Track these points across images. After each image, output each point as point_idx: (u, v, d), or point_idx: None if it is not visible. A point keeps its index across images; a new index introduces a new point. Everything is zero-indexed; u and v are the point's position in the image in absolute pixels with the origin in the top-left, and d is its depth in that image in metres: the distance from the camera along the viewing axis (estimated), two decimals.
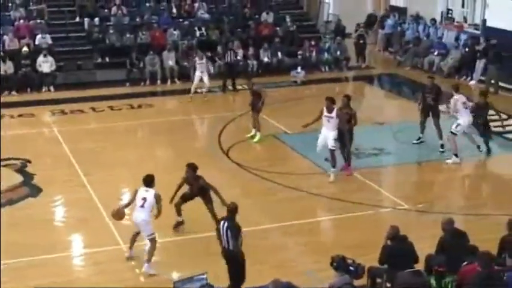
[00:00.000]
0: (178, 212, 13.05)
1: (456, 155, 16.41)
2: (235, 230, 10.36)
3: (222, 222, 10.52)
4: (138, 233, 11.90)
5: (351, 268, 9.44)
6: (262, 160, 16.57)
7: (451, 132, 16.44)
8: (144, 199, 11.64)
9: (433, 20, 27.07)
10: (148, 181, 11.85)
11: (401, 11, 29.19)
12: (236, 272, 10.38)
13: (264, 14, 27.71)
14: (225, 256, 10.52)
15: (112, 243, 12.47)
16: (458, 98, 16.56)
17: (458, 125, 16.38)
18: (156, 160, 16.99)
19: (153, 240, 11.68)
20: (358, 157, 16.96)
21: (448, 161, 16.48)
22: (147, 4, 27.61)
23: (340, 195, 14.52)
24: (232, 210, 10.61)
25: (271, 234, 12.92)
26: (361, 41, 27.41)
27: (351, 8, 29.94)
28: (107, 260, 11.93)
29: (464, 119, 16.40)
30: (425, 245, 10.64)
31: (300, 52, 26.45)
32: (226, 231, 10.38)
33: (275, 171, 15.73)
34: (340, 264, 9.39)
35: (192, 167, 12.95)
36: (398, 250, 10.08)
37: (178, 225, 13.06)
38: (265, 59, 25.89)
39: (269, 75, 25.06)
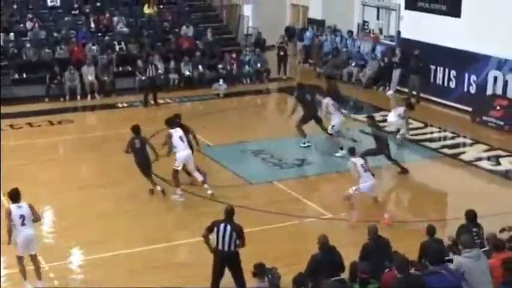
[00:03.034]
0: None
1: (342, 148, 17.62)
2: (240, 231, 10.65)
3: (222, 226, 10.62)
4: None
5: (269, 276, 9.59)
6: (185, 173, 16.52)
7: (329, 134, 18.05)
8: (22, 216, 11.19)
9: (350, 32, 27.65)
10: (15, 196, 11.38)
11: (319, 24, 29.70)
12: (241, 270, 10.64)
13: (184, 28, 27.69)
14: (225, 259, 10.64)
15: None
16: (327, 101, 18.08)
17: (333, 126, 17.95)
18: (77, 177, 16.73)
19: (35, 256, 11.38)
20: (281, 168, 17.17)
21: (337, 154, 17.65)
22: (66, 18, 27.21)
23: (264, 206, 14.62)
24: (230, 212, 10.82)
25: (195, 248, 12.87)
26: (282, 53, 27.74)
27: (270, 21, 30.31)
28: (28, 280, 11.62)
29: (337, 119, 17.95)
30: (348, 253, 10.82)
31: (220, 65, 26.56)
32: (231, 233, 10.55)
33: (198, 184, 15.69)
34: (258, 271, 9.55)
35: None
36: (326, 259, 10.25)
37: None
38: (187, 73, 25.86)
39: (191, 89, 25.10)
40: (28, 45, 25.07)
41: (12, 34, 25.58)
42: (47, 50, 25.19)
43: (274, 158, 17.77)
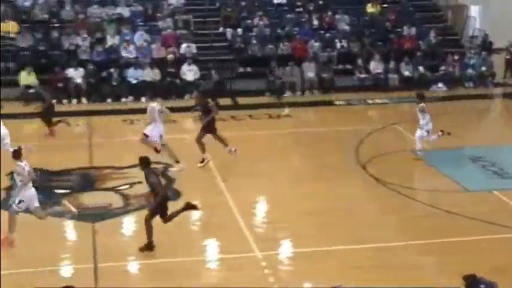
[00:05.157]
0: None
1: (177, 162, 16.50)
2: None
3: None
4: None
5: (482, 286, 9.13)
6: (399, 175, 16.25)
7: (162, 144, 16.48)
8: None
9: None
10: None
11: None
12: None
13: (406, 27, 27.28)
14: None
15: (246, 250, 12.54)
16: (154, 107, 16.70)
17: (160, 136, 16.48)
18: (291, 171, 17.06)
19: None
20: (503, 177, 16.30)
21: (172, 169, 16.44)
22: (289, 15, 27.89)
23: (480, 215, 13.94)
24: None
25: (404, 251, 12.62)
26: (510, 57, 26.39)
27: (499, 22, 28.92)
28: (241, 267, 11.99)
29: (160, 126, 16.50)
30: None
31: (442, 67, 25.84)
32: None
33: (412, 187, 15.39)
34: (471, 282, 9.12)
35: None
36: None
37: None
38: (406, 73, 25.45)
39: (409, 90, 24.64)
40: (254, 41, 26.02)
41: (240, 29, 26.69)
42: (270, 46, 25.99)
43: (495, 166, 16.90)
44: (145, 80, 24.34)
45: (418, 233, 13.24)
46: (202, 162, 16.77)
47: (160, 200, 12.20)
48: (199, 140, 16.81)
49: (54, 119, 19.55)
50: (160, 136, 16.65)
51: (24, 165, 12.32)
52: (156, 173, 12.48)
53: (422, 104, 17.23)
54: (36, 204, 12.47)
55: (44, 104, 19.65)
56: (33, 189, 12.44)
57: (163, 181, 15.87)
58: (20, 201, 12.34)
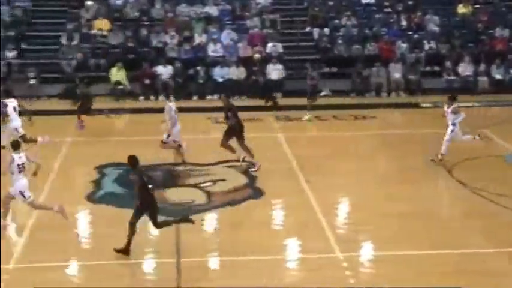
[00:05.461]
0: None
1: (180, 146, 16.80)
2: None
3: None
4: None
5: None
6: (487, 180, 15.81)
7: (164, 142, 16.85)
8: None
9: None
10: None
11: None
12: None
13: (498, 29, 26.54)
14: None
15: (327, 251, 12.45)
16: (171, 106, 17.03)
17: (168, 135, 16.75)
18: (375, 172, 16.86)
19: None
20: None
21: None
22: (377, 16, 27.57)
23: None
24: None
25: (491, 258, 12.26)
26: None
27: None
28: (321, 267, 11.91)
29: (176, 127, 16.77)
30: None
31: None
32: None
33: (501, 193, 14.93)
34: None
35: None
36: None
37: None
38: (497, 76, 24.76)
39: (500, 93, 23.99)
40: (340, 40, 25.84)
41: (327, 29, 26.57)
42: (356, 46, 25.76)
43: None
44: (231, 78, 24.58)
45: (506, 240, 12.85)
46: (253, 166, 16.53)
47: (139, 204, 11.91)
48: (243, 147, 16.59)
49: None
50: (168, 136, 16.86)
51: (19, 157, 12.61)
52: (142, 174, 12.02)
53: (455, 106, 17.02)
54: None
55: (85, 102, 20.04)
56: (25, 180, 12.71)
57: (245, 180, 16.02)
58: (22, 194, 12.65)
